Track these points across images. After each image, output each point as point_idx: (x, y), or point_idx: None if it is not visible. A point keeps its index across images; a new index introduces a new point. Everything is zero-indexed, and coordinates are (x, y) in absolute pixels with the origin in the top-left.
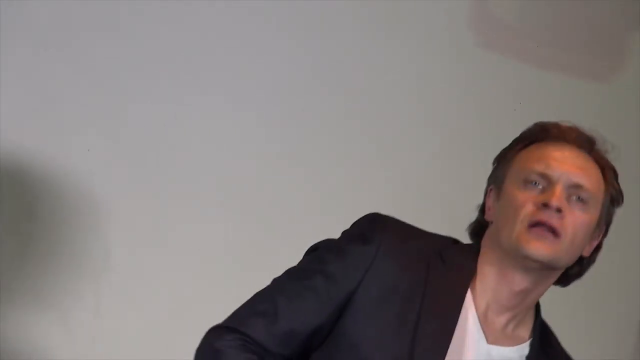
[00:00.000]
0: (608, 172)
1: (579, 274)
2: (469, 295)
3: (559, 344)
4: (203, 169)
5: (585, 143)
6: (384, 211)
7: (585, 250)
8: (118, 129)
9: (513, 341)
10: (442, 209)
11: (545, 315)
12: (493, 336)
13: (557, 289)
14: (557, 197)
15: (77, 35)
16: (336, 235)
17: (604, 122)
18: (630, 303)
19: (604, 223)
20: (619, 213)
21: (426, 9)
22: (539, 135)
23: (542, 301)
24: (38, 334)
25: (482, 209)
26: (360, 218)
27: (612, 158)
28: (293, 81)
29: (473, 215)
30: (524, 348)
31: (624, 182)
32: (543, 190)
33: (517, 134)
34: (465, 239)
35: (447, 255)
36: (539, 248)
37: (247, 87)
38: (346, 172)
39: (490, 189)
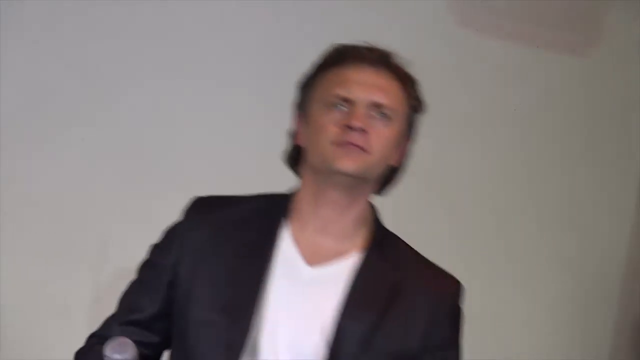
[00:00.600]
0: (407, 84)
1: (391, 182)
2: (285, 231)
3: (407, 248)
4: (198, 161)
5: (381, 60)
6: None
7: (393, 160)
8: (114, 121)
9: (341, 257)
10: (429, 183)
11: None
12: (318, 257)
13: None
14: (359, 118)
15: (71, 31)
16: None
17: (584, 96)
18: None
19: (409, 131)
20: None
21: None
22: (338, 58)
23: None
24: (38, 323)
25: (294, 134)
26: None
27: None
28: (271, 63)
29: (446, 189)
30: (353, 261)
31: (600, 155)
32: (347, 113)
33: (501, 110)
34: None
35: (260, 207)
36: (349, 163)
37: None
38: None
39: (298, 115)
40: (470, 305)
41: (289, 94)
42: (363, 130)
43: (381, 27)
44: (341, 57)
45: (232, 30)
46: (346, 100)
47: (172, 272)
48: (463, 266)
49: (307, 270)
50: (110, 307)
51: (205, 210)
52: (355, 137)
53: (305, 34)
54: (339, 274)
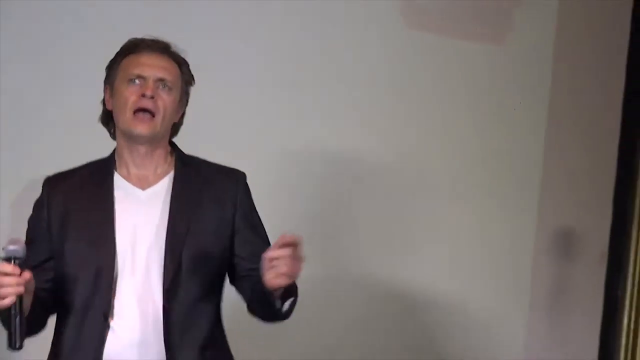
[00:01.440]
0: (182, 65)
1: (176, 133)
2: (117, 176)
3: (202, 160)
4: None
5: (164, 49)
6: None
7: (176, 118)
8: None
9: (161, 179)
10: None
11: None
12: (145, 184)
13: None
14: (150, 89)
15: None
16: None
17: (501, 75)
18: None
19: (185, 98)
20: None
21: None
22: (133, 48)
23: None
24: None
25: (104, 102)
26: None
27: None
28: (230, 66)
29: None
30: (169, 177)
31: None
32: (141, 86)
33: (451, 100)
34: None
35: (93, 169)
36: (142, 128)
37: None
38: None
39: (106, 87)
40: (405, 219)
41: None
42: (152, 97)
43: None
44: (136, 46)
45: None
46: (140, 77)
47: (48, 232)
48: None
49: (141, 193)
50: None
51: (54, 183)
52: (147, 102)
53: (258, 33)
54: (163, 188)
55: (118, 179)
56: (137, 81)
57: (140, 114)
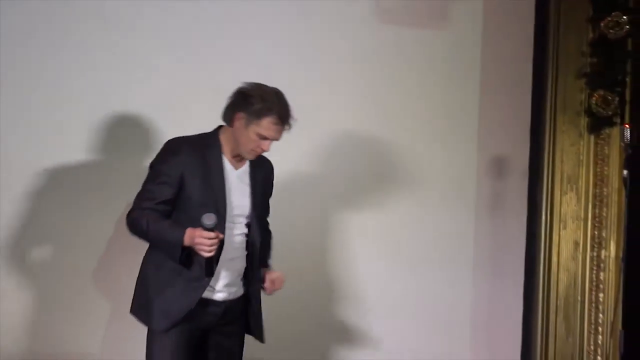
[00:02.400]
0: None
1: None
2: (224, 157)
3: (265, 158)
4: None
5: (286, 121)
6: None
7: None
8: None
9: (243, 165)
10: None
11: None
12: (237, 166)
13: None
14: (268, 148)
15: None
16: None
17: (442, 49)
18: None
19: None
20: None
21: None
22: (273, 110)
23: None
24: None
25: (231, 118)
26: (165, 145)
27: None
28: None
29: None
30: (247, 165)
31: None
32: (264, 142)
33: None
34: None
35: (209, 142)
36: (251, 158)
37: None
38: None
39: (242, 115)
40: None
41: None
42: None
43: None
44: (274, 111)
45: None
46: (266, 138)
47: (178, 179)
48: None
49: (235, 171)
50: None
51: (182, 143)
52: (261, 152)
53: (233, 33)
54: (245, 171)
55: (225, 160)
56: (264, 139)
57: (254, 153)
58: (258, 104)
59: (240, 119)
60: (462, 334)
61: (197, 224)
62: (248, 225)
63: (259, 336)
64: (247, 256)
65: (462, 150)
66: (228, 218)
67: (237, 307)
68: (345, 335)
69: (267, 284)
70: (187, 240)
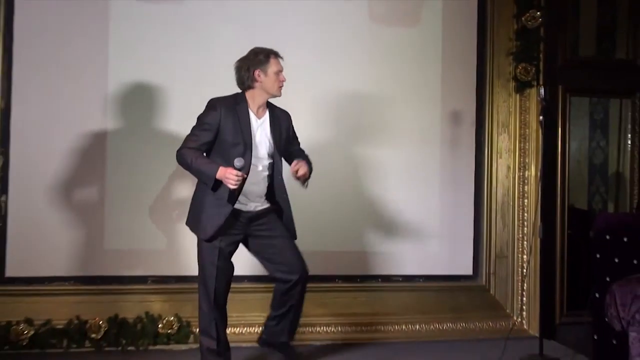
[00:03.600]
0: None
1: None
2: (250, 110)
3: (274, 105)
4: None
5: (277, 54)
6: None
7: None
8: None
9: (264, 115)
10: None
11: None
12: (259, 116)
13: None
14: (284, 77)
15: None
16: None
17: (412, 51)
18: None
19: None
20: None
21: None
22: (268, 52)
23: None
24: None
25: (252, 78)
26: (207, 103)
27: None
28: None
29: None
30: (267, 114)
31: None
32: (281, 76)
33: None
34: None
35: (238, 100)
36: (279, 94)
37: None
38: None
39: (257, 71)
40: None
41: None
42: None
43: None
44: (275, 54)
45: None
46: (280, 71)
47: (217, 126)
48: None
49: (258, 120)
50: None
51: (220, 102)
52: (284, 83)
53: (265, 27)
54: (265, 120)
55: (250, 111)
56: (280, 73)
57: (280, 88)
58: (259, 56)
59: (258, 73)
60: (433, 231)
61: (230, 161)
62: (271, 157)
63: (293, 235)
64: (270, 179)
65: (431, 108)
66: (253, 152)
67: (263, 215)
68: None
69: (293, 168)
70: (219, 174)
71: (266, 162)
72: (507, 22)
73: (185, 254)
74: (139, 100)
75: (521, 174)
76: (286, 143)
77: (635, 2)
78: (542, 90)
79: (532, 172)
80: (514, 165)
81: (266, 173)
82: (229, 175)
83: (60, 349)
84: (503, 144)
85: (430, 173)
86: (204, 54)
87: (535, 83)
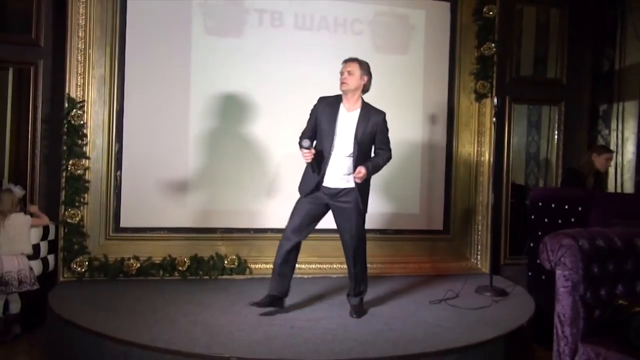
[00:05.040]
0: (361, 63)
1: (367, 89)
2: (341, 105)
3: (368, 103)
4: None
5: (350, 59)
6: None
7: (364, 81)
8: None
9: (355, 110)
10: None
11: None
12: (350, 110)
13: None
14: (343, 76)
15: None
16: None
17: (403, 71)
18: None
19: (366, 74)
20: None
21: None
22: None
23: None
24: None
25: (369, 85)
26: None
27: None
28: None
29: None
30: (358, 110)
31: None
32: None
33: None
34: None
35: (336, 99)
36: (343, 88)
37: None
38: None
39: (369, 75)
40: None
41: None
42: (345, 76)
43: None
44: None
45: None
46: (341, 73)
47: (315, 120)
48: None
49: (347, 112)
50: None
51: (321, 100)
52: (343, 80)
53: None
54: (355, 114)
55: (341, 106)
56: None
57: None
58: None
59: (369, 78)
60: (416, 198)
61: (324, 144)
62: (356, 148)
63: (364, 209)
64: (349, 166)
65: (415, 112)
66: (336, 139)
67: (342, 192)
68: None
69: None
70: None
71: (348, 149)
72: (470, 51)
73: (245, 212)
74: (211, 106)
75: (478, 159)
76: (373, 139)
77: (562, 36)
78: (495, 100)
79: (486, 157)
80: (473, 153)
81: (347, 157)
82: (302, 153)
83: (158, 277)
84: (465, 137)
85: (414, 158)
86: (258, 75)
87: (489, 94)
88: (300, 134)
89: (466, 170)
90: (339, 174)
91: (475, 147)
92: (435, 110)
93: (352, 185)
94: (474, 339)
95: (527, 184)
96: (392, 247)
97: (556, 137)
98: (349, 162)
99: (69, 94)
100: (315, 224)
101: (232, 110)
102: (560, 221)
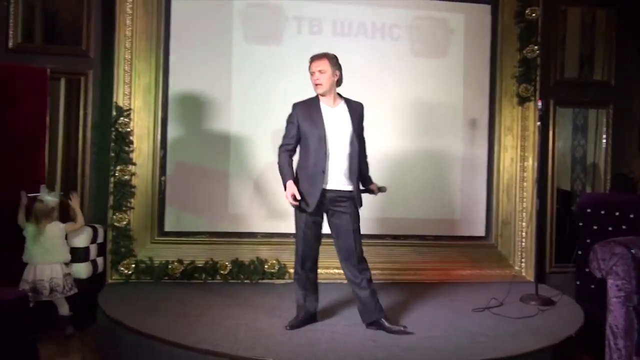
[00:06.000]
0: (330, 58)
1: (340, 82)
2: (321, 102)
3: (347, 98)
4: None
5: (318, 55)
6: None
7: (337, 77)
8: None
9: (337, 104)
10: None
11: None
12: (333, 105)
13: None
14: (315, 77)
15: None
16: None
17: (441, 76)
18: None
19: (337, 70)
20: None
21: None
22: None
23: None
24: None
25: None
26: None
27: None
28: None
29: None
30: (342, 104)
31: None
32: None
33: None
34: None
35: (311, 101)
36: (318, 90)
37: None
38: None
39: (338, 71)
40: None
41: None
42: (315, 76)
43: None
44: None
45: None
46: (312, 73)
47: (298, 127)
48: None
49: (331, 109)
50: None
51: (297, 105)
52: (315, 80)
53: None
54: (341, 109)
55: (322, 105)
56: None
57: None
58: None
59: (338, 74)
60: (457, 204)
61: (311, 150)
62: (351, 144)
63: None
64: (349, 163)
65: (456, 117)
66: (328, 140)
67: (341, 196)
68: None
69: (374, 188)
70: (286, 188)
71: (344, 147)
72: (512, 54)
73: (285, 217)
74: (250, 107)
75: (521, 164)
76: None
77: (609, 37)
78: (539, 103)
79: (530, 162)
80: (516, 158)
81: (344, 156)
82: (286, 195)
83: (200, 280)
84: (508, 142)
85: (454, 163)
86: (297, 81)
87: (533, 98)
88: (279, 146)
89: (509, 176)
90: (339, 174)
91: (518, 151)
92: (476, 114)
93: (351, 188)
94: (520, 348)
95: (573, 190)
96: (431, 254)
97: (604, 141)
98: (347, 161)
99: (116, 103)
100: (321, 232)
101: (271, 116)
102: (610, 228)
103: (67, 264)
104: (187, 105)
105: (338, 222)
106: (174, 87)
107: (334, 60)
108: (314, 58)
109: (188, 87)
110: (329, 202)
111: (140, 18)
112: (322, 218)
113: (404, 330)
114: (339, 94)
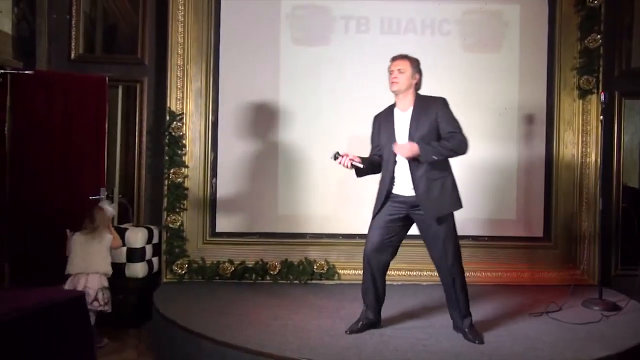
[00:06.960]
0: (411, 61)
1: (419, 87)
2: (395, 108)
3: (430, 96)
4: None
5: (400, 56)
6: None
7: (416, 80)
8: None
9: (408, 109)
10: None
11: None
12: (405, 110)
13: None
14: (393, 75)
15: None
16: None
17: (495, 70)
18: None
19: (417, 72)
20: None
21: None
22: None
23: None
24: None
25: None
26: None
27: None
28: None
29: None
30: (411, 108)
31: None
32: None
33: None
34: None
35: (389, 108)
36: (393, 88)
37: None
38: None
39: (420, 74)
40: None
41: None
42: (394, 75)
43: None
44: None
45: None
46: (391, 72)
47: (378, 134)
48: None
49: (402, 114)
50: None
51: (376, 117)
52: (394, 79)
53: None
54: (408, 113)
55: (395, 110)
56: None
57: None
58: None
59: (419, 76)
60: (514, 204)
61: (389, 152)
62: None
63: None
64: (412, 175)
65: (510, 112)
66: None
67: (415, 201)
68: None
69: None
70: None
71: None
72: (572, 45)
73: (332, 218)
74: (298, 108)
75: (582, 160)
76: (435, 131)
77: None
78: (603, 96)
79: (592, 158)
80: (577, 154)
81: (407, 162)
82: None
83: (250, 280)
84: (567, 138)
85: (510, 161)
86: (346, 81)
87: (595, 90)
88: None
89: (569, 173)
90: (408, 179)
91: (580, 147)
92: (533, 110)
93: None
94: (580, 356)
95: None
96: (486, 254)
97: None
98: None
99: (169, 107)
100: (399, 238)
101: (320, 117)
102: None
103: (108, 278)
104: (237, 108)
105: (423, 235)
106: (224, 91)
107: (415, 63)
108: (396, 57)
109: (237, 90)
110: (407, 207)
111: (192, 25)
112: (403, 223)
113: (476, 343)
114: (417, 96)
